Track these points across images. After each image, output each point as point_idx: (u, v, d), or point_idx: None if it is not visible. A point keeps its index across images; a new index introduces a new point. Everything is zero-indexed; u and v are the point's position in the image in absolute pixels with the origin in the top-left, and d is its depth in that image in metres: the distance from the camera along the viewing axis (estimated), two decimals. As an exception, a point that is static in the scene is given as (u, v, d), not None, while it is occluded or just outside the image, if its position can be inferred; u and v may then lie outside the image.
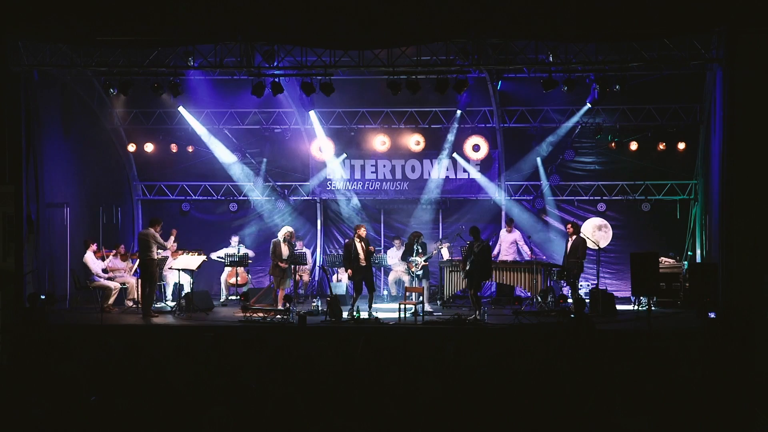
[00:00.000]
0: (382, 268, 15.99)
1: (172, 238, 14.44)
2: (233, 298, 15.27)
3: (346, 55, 13.31)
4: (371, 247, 13.29)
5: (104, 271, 14.10)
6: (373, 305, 13.27)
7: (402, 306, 12.86)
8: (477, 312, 12.50)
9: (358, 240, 13.22)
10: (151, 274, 12.97)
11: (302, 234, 16.89)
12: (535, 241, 15.90)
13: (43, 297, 12.74)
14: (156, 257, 13.11)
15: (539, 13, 12.26)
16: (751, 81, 12.08)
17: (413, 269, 13.76)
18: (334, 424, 5.72)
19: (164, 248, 13.67)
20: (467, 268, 12.79)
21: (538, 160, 16.16)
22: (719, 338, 10.27)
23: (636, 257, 13.46)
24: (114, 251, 14.52)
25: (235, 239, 15.65)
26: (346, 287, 15.13)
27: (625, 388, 6.99)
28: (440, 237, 16.17)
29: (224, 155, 16.49)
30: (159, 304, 14.24)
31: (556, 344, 10.33)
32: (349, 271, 13.17)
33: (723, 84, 12.55)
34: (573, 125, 15.69)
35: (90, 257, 13.96)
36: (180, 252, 14.47)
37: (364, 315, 12.75)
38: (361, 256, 13.13)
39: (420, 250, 13.61)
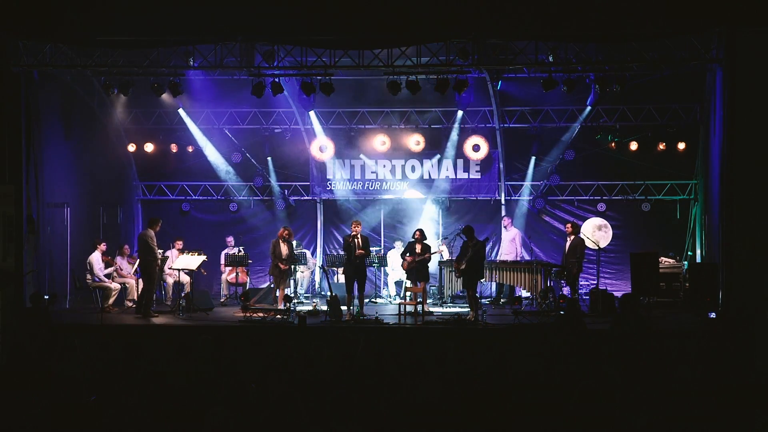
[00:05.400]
0: (383, 269, 15.97)
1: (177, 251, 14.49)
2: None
3: (346, 55, 13.32)
4: (360, 251, 12.90)
5: (108, 275, 14.10)
6: (376, 304, 13.19)
7: (402, 306, 12.87)
8: (475, 312, 12.46)
9: (354, 237, 13.11)
10: (150, 274, 12.97)
11: (302, 234, 16.89)
12: (535, 241, 15.90)
13: (46, 297, 12.74)
14: (157, 258, 13.11)
15: (539, 13, 12.26)
16: (751, 81, 12.07)
17: (406, 267, 13.73)
18: (333, 424, 5.72)
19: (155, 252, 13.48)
20: (462, 267, 12.77)
21: (532, 160, 16.19)
22: (719, 338, 10.25)
23: (636, 257, 13.45)
24: (118, 256, 14.54)
25: (230, 240, 15.66)
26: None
27: (624, 388, 6.99)
28: (440, 237, 16.16)
29: (220, 161, 16.53)
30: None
31: (551, 343, 10.34)
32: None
33: (723, 84, 12.56)
34: (573, 125, 15.70)
35: (96, 257, 13.94)
36: (180, 252, 14.47)
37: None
38: (356, 253, 13.03)
39: (419, 250, 13.62)
